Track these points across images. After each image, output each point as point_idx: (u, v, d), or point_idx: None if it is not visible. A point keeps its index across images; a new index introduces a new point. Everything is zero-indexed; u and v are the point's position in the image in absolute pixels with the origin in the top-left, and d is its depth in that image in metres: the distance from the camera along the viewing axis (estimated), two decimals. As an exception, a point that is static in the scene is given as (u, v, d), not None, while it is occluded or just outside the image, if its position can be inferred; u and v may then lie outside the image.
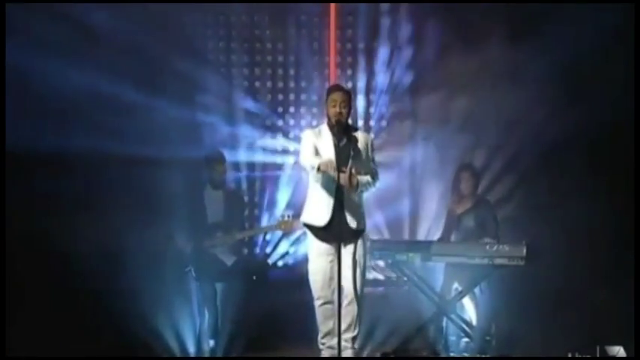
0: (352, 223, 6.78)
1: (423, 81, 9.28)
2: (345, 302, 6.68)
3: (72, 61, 8.06)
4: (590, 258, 8.22)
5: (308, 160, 6.77)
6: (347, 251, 6.75)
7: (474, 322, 7.90)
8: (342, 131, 6.83)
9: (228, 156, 8.53)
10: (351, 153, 6.82)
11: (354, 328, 6.83)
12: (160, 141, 8.52)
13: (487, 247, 7.54)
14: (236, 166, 9.14)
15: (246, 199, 9.05)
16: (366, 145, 6.95)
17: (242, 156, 9.30)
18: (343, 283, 6.67)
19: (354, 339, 6.85)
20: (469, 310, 7.98)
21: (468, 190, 8.22)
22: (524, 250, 7.37)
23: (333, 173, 6.60)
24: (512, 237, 7.73)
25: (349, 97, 6.97)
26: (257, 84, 9.37)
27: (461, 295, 7.84)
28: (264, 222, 9.21)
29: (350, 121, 7.04)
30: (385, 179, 7.40)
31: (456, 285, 7.95)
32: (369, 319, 7.31)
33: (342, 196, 6.67)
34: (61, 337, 7.41)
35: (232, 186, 8.64)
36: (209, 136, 9.06)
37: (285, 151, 9.46)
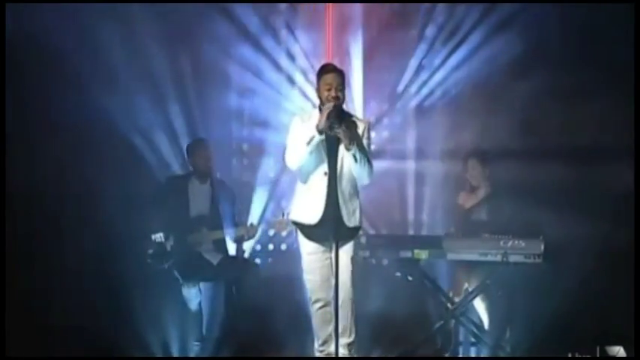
0: (348, 219, 6.41)
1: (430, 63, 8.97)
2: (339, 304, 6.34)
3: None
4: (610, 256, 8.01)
5: (296, 150, 6.37)
6: (343, 250, 6.36)
7: (487, 326, 7.62)
8: (338, 119, 6.32)
9: (219, 145, 8.31)
10: (341, 145, 6.38)
11: (350, 334, 6.43)
12: (141, 129, 8.33)
13: (501, 242, 7.25)
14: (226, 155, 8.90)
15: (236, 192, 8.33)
16: (362, 132, 6.49)
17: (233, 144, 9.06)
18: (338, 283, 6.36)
19: (350, 345, 6.46)
20: (481, 312, 7.68)
21: (476, 179, 7.91)
22: (542, 246, 7.15)
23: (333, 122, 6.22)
24: (528, 232, 7.35)
25: (344, 78, 6.48)
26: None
27: (472, 295, 7.54)
28: (257, 219, 8.76)
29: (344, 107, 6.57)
30: (386, 168, 7.29)
31: (466, 285, 7.65)
32: (371, 324, 7.19)
33: (335, 189, 6.35)
34: (32, 338, 7.38)
35: (221, 179, 8.23)
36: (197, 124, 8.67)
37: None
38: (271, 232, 8.65)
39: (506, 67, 8.49)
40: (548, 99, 8.33)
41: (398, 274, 7.63)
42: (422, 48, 8.83)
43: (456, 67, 8.77)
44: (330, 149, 6.35)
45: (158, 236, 7.60)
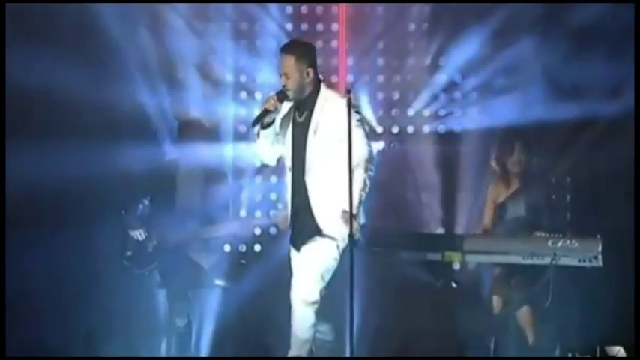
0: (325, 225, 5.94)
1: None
2: None
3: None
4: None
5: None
6: (310, 253, 5.89)
7: (532, 341, 7.07)
8: (295, 102, 5.89)
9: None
10: (309, 133, 5.84)
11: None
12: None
13: (549, 242, 6.79)
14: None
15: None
16: (338, 118, 5.73)
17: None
18: None
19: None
20: (525, 325, 7.11)
21: (517, 166, 7.36)
22: (600, 247, 6.66)
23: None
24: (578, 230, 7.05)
25: (299, 60, 5.83)
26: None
27: (514, 306, 7.06)
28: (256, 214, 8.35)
29: (321, 78, 6.00)
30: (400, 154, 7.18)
31: (508, 293, 7.14)
32: (399, 337, 7.25)
33: (304, 187, 5.86)
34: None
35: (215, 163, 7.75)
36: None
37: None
38: (273, 231, 8.09)
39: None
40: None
41: (427, 279, 7.15)
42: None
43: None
44: (296, 138, 5.85)
45: (138, 233, 7.12)
